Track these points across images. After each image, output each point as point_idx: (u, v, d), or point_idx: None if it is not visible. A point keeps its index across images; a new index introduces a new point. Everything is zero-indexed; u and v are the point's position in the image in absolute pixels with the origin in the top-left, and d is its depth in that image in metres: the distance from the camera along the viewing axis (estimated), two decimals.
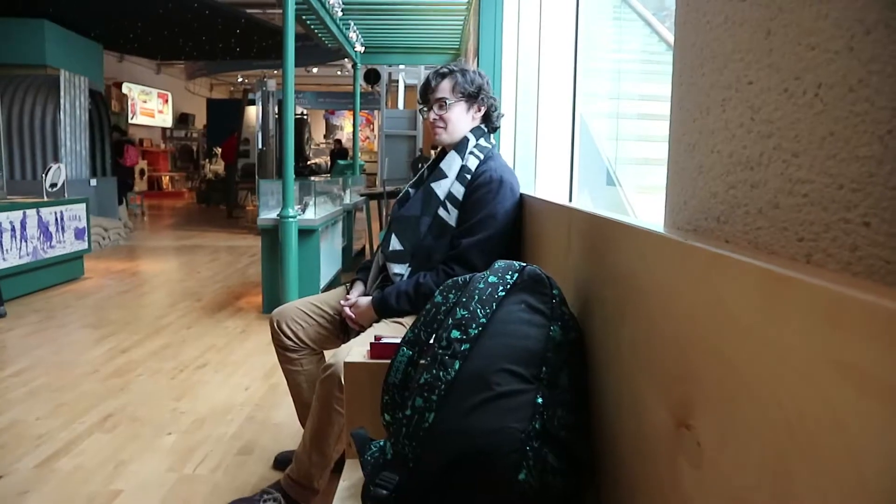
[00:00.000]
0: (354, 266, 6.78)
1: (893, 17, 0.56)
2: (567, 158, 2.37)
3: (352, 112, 16.04)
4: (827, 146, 0.60)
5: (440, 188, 1.94)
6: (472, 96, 1.98)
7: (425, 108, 2.02)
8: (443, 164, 1.99)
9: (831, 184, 0.60)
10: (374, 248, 6.56)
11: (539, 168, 2.67)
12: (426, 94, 2.01)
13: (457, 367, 0.98)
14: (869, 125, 0.56)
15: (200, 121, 19.16)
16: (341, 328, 2.02)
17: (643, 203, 2.33)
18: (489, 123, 2.04)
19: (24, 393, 3.14)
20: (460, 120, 1.99)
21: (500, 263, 1.14)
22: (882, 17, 0.56)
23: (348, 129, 21.47)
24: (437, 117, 1.98)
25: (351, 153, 12.78)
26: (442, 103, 1.98)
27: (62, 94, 7.78)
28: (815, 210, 0.61)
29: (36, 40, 7.94)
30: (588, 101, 2.65)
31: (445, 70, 2.00)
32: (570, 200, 2.25)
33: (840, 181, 0.59)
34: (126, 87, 15.75)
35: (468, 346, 1.00)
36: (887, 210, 0.55)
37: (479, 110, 2.01)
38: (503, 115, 2.10)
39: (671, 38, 2.68)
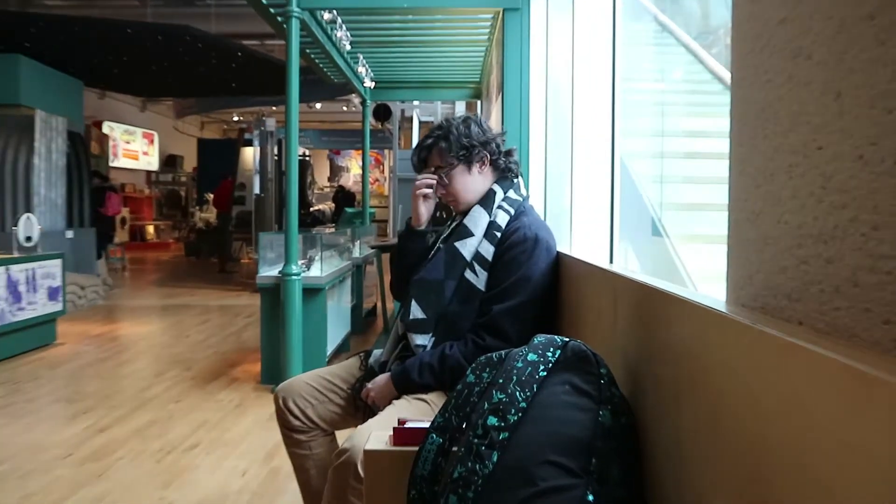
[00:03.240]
0: (365, 328, 6.83)
1: None
2: (606, 206, 2.37)
3: (360, 152, 16.21)
4: None
5: (466, 248, 1.96)
6: (466, 156, 2.04)
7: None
8: (467, 221, 2.01)
9: None
10: (386, 305, 6.65)
11: (575, 218, 2.67)
12: (419, 165, 2.12)
13: (495, 458, 0.99)
14: None
15: (190, 163, 19.52)
16: (357, 406, 2.02)
17: (694, 256, 2.33)
18: (508, 171, 2.08)
19: None
20: (466, 184, 2.06)
21: (539, 339, 1.16)
22: None
23: (355, 170, 21.71)
24: (443, 192, 2.08)
25: (359, 198, 12.95)
26: (440, 175, 2.07)
27: (37, 136, 8.00)
28: None
29: (10, 77, 8.16)
30: (628, 139, 2.67)
31: (429, 141, 2.09)
32: (612, 257, 2.27)
33: None
34: (107, 127, 16.16)
35: (507, 434, 1.01)
36: None
37: (484, 164, 2.07)
38: (514, 155, 2.12)
39: (718, 68, 2.70)
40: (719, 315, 0.80)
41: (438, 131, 2.08)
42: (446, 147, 2.04)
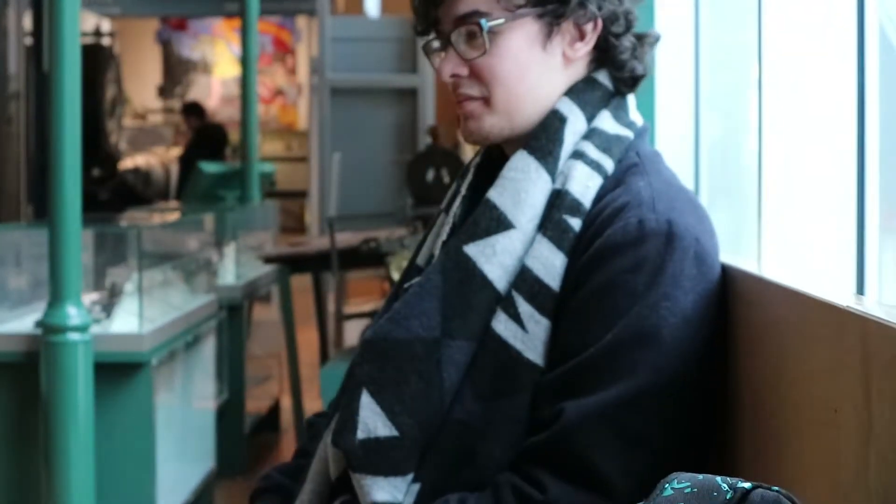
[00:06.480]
0: (254, 462, 4.11)
1: None
2: (847, 153, 1.47)
3: (232, 22, 9.38)
4: None
5: (494, 258, 1.14)
6: (555, 2, 1.13)
7: (432, 44, 1.23)
8: (496, 194, 1.15)
9: None
10: (302, 403, 4.10)
11: (767, 180, 1.79)
12: (427, 8, 1.19)
13: None
14: None
15: None
16: None
17: None
18: (620, 64, 1.18)
19: None
20: (524, 70, 1.17)
21: (681, 482, 0.75)
22: None
23: (224, 70, 12.47)
24: (456, 75, 1.17)
25: (235, 138, 7.50)
26: (471, 31, 1.14)
27: None
28: None
29: None
30: None
31: None
32: (861, 279, 1.42)
33: None
34: None
35: None
36: None
37: (582, 38, 1.16)
38: (647, 47, 1.24)
39: None
40: None
41: None
42: None
